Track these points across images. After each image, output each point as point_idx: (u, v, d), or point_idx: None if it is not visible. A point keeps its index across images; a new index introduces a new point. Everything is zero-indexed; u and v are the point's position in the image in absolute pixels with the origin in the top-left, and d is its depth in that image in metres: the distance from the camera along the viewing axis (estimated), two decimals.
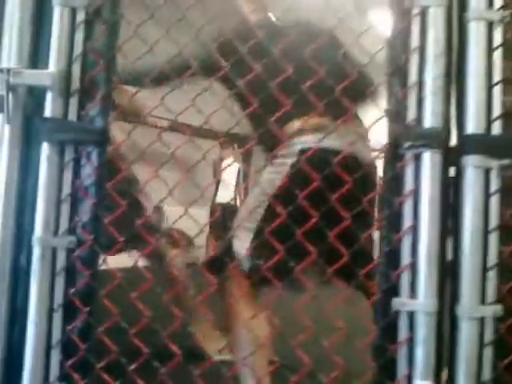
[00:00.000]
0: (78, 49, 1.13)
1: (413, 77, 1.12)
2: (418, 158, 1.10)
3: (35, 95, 1.14)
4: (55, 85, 1.10)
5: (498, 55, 1.12)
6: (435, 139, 1.09)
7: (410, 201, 1.10)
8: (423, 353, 1.07)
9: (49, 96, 1.11)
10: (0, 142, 1.11)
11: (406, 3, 1.12)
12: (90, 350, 1.10)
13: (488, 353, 1.08)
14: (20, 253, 1.11)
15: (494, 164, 1.10)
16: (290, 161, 1.75)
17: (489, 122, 1.11)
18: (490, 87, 1.11)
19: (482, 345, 1.08)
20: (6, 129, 1.11)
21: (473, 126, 1.10)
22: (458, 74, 1.13)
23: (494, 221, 1.10)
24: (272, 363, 1.73)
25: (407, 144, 1.10)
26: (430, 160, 1.09)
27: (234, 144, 6.00)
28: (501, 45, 1.11)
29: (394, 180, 1.11)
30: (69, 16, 1.13)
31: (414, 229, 1.09)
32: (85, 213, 1.12)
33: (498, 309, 1.09)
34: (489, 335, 1.09)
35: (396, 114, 1.13)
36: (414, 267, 1.09)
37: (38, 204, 1.10)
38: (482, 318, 1.08)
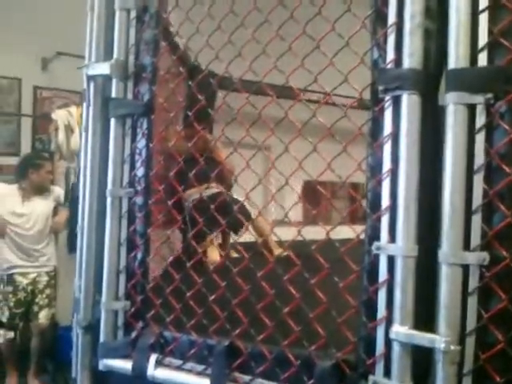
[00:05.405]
0: (132, 41, 1.44)
1: (392, 17, 1.09)
2: (397, 101, 1.08)
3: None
4: (115, 72, 1.43)
5: None
6: (411, 80, 1.06)
7: (389, 145, 1.09)
8: (401, 296, 1.06)
9: (113, 81, 1.45)
10: (87, 121, 1.51)
11: None
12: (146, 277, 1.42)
13: (472, 302, 1.01)
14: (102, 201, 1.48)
15: (479, 99, 1.01)
16: None
17: (474, 55, 1.02)
18: (474, 14, 1.01)
19: (465, 293, 1.02)
20: (90, 110, 1.49)
21: (454, 59, 1.03)
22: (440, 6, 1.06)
23: (479, 160, 1.01)
24: None
25: (382, 87, 1.09)
26: (407, 102, 1.06)
27: None
28: None
29: (375, 125, 1.11)
30: (125, 16, 1.45)
31: (393, 173, 1.08)
32: (139, 170, 1.43)
33: (483, 256, 1.00)
34: (474, 283, 1.01)
35: (377, 60, 1.12)
36: (393, 211, 1.08)
37: (109, 165, 1.45)
38: (466, 265, 1.02)
